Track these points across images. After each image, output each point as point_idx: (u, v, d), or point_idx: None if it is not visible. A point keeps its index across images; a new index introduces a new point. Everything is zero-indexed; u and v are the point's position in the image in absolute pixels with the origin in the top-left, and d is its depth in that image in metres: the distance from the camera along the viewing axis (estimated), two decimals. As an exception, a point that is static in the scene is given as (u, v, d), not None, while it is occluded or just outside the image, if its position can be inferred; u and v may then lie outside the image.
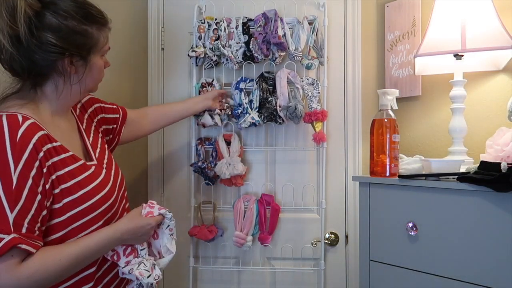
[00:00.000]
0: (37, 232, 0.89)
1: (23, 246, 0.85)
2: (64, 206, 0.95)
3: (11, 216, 0.84)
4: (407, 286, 1.17)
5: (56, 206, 0.94)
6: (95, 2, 1.83)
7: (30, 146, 0.88)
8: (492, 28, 1.28)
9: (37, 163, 0.89)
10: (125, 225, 1.03)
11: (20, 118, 0.89)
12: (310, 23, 1.61)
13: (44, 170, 0.90)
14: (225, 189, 1.72)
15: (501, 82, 1.41)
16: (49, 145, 0.93)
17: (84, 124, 1.15)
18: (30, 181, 0.87)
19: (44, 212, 0.90)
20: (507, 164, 1.00)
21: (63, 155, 0.96)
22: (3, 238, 0.83)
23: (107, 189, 1.04)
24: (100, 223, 1.02)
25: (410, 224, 1.15)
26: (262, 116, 1.58)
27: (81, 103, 1.19)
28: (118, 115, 1.32)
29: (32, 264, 0.87)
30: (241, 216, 1.61)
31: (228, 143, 1.64)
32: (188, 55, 1.62)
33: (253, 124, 1.58)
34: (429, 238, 1.12)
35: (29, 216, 0.87)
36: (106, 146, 1.19)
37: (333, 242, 1.68)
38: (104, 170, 1.08)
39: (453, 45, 1.31)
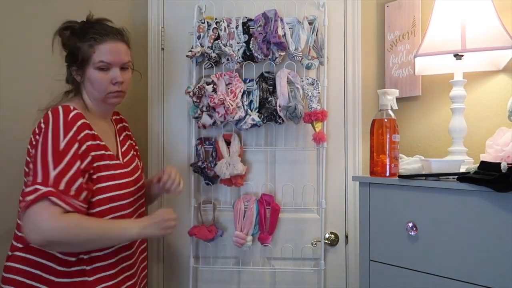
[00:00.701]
0: (73, 192, 1.09)
1: (53, 199, 1.05)
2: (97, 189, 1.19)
3: (52, 173, 1.08)
4: (407, 286, 1.17)
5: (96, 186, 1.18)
6: (95, 2, 1.82)
7: (76, 125, 1.16)
8: (492, 28, 1.28)
9: (79, 138, 1.15)
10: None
11: (72, 107, 1.19)
12: (310, 23, 1.61)
13: (83, 147, 1.16)
14: (225, 189, 1.72)
15: (501, 82, 1.41)
16: (87, 131, 1.19)
17: (121, 137, 1.41)
18: (73, 149, 1.12)
19: (81, 179, 1.12)
20: (507, 164, 1.00)
21: (98, 141, 1.22)
22: (41, 189, 1.05)
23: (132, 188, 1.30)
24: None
25: (410, 224, 1.15)
26: (262, 116, 1.58)
27: (121, 123, 1.46)
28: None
29: (65, 219, 1.06)
30: (241, 216, 1.61)
31: (228, 143, 1.64)
32: (186, 55, 1.63)
33: (254, 126, 1.58)
34: (429, 238, 1.12)
35: (67, 177, 1.09)
36: (134, 153, 1.44)
37: (333, 242, 1.68)
38: (128, 170, 1.32)
39: (453, 45, 1.31)
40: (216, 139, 1.65)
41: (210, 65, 1.66)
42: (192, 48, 1.64)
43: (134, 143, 1.48)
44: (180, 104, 1.74)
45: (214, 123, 1.61)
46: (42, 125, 1.15)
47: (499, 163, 1.00)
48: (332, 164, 1.68)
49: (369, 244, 1.26)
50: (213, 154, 1.66)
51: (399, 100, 1.43)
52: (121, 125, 1.45)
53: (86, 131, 1.18)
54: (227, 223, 1.70)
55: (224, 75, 1.62)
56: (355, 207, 1.66)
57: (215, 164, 1.61)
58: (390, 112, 1.27)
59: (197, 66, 1.67)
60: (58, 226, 1.05)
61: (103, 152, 1.23)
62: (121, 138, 1.39)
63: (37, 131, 1.16)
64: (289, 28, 1.60)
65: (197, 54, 1.61)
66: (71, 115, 1.16)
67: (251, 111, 1.59)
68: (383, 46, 1.70)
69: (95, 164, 1.19)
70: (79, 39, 1.25)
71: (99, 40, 1.24)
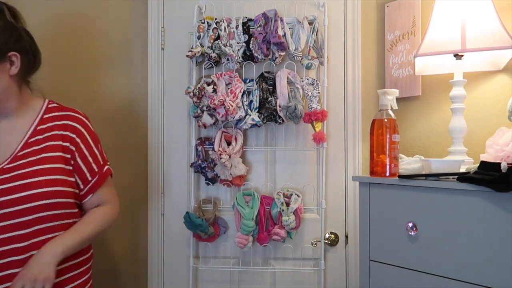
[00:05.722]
0: None
1: None
2: None
3: None
4: (407, 286, 1.17)
5: None
6: (95, 2, 1.82)
7: None
8: (492, 28, 1.28)
9: None
10: None
11: None
12: (310, 23, 1.61)
13: None
14: (225, 189, 1.72)
15: (501, 82, 1.41)
16: None
17: (33, 138, 1.18)
18: None
19: None
20: (507, 164, 1.00)
21: None
22: None
23: None
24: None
25: (410, 224, 1.15)
26: (262, 116, 1.58)
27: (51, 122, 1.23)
28: (91, 179, 1.25)
29: None
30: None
31: (229, 143, 1.64)
32: (186, 55, 1.63)
33: (254, 125, 1.58)
34: (429, 238, 1.12)
35: None
36: (48, 159, 1.17)
37: (333, 242, 1.68)
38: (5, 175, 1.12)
39: (453, 45, 1.31)
40: (216, 138, 1.64)
41: (210, 65, 1.66)
42: (192, 48, 1.64)
43: (65, 151, 1.21)
44: (180, 104, 1.74)
45: (215, 122, 1.61)
46: None
47: (499, 163, 1.00)
48: (332, 164, 1.68)
49: (369, 244, 1.26)
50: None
51: (399, 100, 1.43)
52: (51, 124, 1.22)
53: None
54: (228, 223, 1.70)
55: (224, 75, 1.62)
56: (355, 207, 1.66)
57: (215, 164, 1.61)
58: (390, 112, 1.27)
59: (197, 66, 1.67)
60: None
61: None
62: (31, 139, 1.18)
63: None
64: (289, 28, 1.60)
65: (197, 54, 1.61)
66: None
67: (251, 111, 1.59)
68: (383, 46, 1.70)
69: None
70: None
71: None
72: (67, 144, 1.21)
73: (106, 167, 1.29)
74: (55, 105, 1.27)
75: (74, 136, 1.23)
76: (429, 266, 1.12)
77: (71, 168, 1.21)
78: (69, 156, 1.21)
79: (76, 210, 1.23)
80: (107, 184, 1.29)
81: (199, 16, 1.68)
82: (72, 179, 1.21)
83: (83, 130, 1.25)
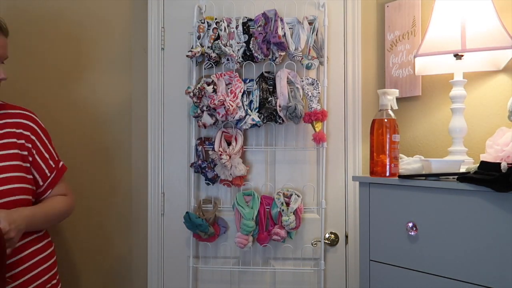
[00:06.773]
0: None
1: None
2: None
3: None
4: (407, 286, 1.17)
5: None
6: (95, 2, 1.82)
7: None
8: (492, 28, 1.28)
9: None
10: None
11: None
12: (310, 23, 1.61)
13: None
14: (225, 189, 1.72)
15: (501, 82, 1.41)
16: None
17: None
18: None
19: None
20: (507, 164, 1.00)
21: None
22: None
23: None
24: None
25: (410, 224, 1.15)
26: (262, 116, 1.58)
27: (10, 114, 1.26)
28: (49, 174, 1.31)
29: None
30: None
31: (229, 143, 1.64)
32: (186, 55, 1.63)
33: (254, 126, 1.58)
34: (429, 238, 1.12)
35: None
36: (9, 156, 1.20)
37: (333, 242, 1.68)
38: None
39: (453, 45, 1.31)
40: (216, 138, 1.65)
41: (210, 65, 1.66)
42: (192, 48, 1.64)
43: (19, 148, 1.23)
44: (180, 104, 1.74)
45: (215, 122, 1.61)
46: None
47: (499, 163, 1.00)
48: (332, 164, 1.68)
49: (369, 244, 1.26)
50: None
51: (399, 100, 1.43)
52: (1, 122, 1.23)
53: None
54: (228, 223, 1.70)
55: (224, 75, 1.62)
56: (355, 207, 1.66)
57: (215, 165, 1.61)
58: (390, 112, 1.27)
59: (197, 66, 1.67)
60: None
61: None
62: None
63: None
64: (289, 28, 1.60)
65: (197, 54, 1.61)
66: None
67: (251, 111, 1.59)
68: (383, 46, 1.70)
69: None
70: None
71: None
72: (22, 141, 1.23)
73: (61, 162, 1.36)
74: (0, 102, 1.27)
75: (28, 133, 1.26)
76: (429, 266, 1.12)
77: (28, 165, 1.23)
78: (25, 153, 1.23)
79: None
80: (62, 179, 1.34)
81: (199, 16, 1.68)
82: (30, 176, 1.23)
83: (36, 127, 1.29)
